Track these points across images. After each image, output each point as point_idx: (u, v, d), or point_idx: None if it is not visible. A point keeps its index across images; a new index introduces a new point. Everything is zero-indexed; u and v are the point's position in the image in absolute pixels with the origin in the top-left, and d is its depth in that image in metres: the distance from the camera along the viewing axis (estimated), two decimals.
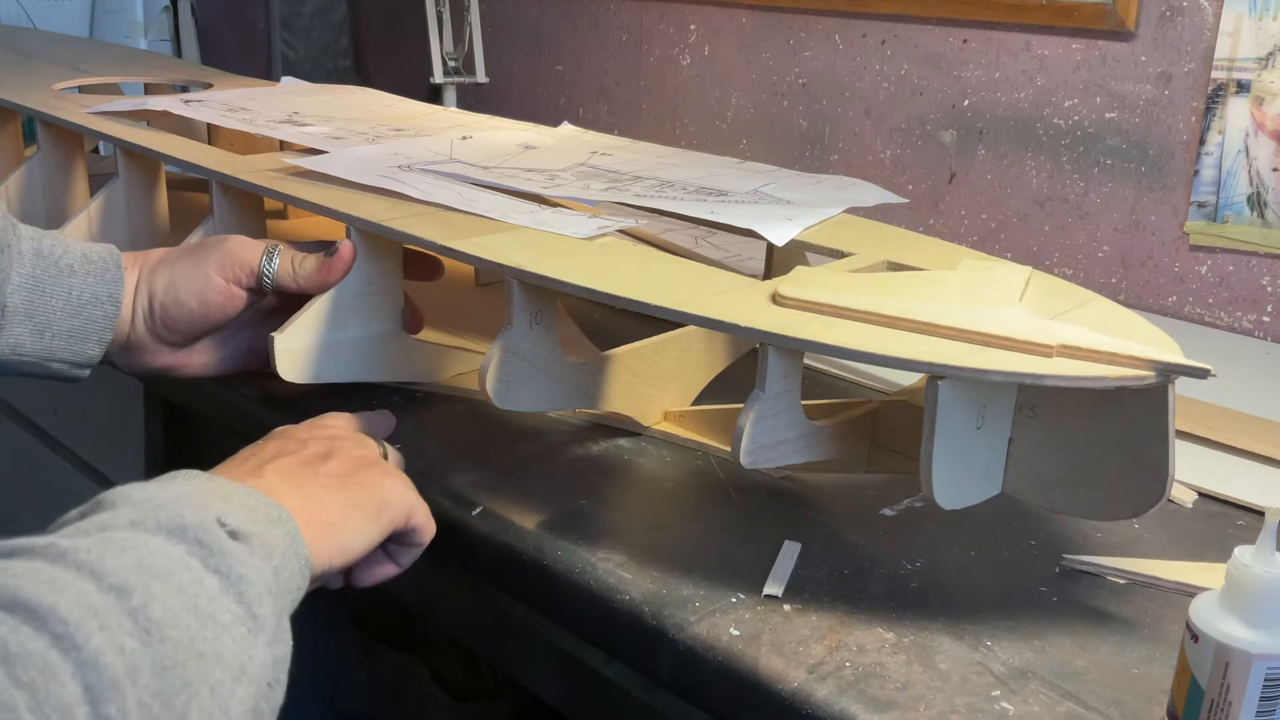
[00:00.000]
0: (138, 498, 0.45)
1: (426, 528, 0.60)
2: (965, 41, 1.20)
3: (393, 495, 0.59)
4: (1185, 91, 1.06)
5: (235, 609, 0.43)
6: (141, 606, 0.39)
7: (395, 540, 0.60)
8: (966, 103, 1.21)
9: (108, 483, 1.15)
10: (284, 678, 0.45)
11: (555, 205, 0.81)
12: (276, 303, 0.77)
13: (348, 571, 0.58)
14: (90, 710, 0.36)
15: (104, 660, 0.37)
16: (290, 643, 0.46)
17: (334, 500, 0.55)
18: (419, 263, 0.80)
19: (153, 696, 0.38)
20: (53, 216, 1.03)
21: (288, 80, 1.25)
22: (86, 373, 0.74)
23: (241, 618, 0.43)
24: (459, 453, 0.72)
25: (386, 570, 0.61)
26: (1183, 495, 0.70)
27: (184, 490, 0.47)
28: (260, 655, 0.43)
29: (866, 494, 0.68)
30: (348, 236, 0.74)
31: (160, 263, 0.75)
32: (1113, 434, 0.55)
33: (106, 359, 0.75)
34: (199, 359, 0.77)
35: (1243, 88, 1.01)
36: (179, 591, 0.41)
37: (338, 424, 0.66)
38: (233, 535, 0.45)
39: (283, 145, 1.01)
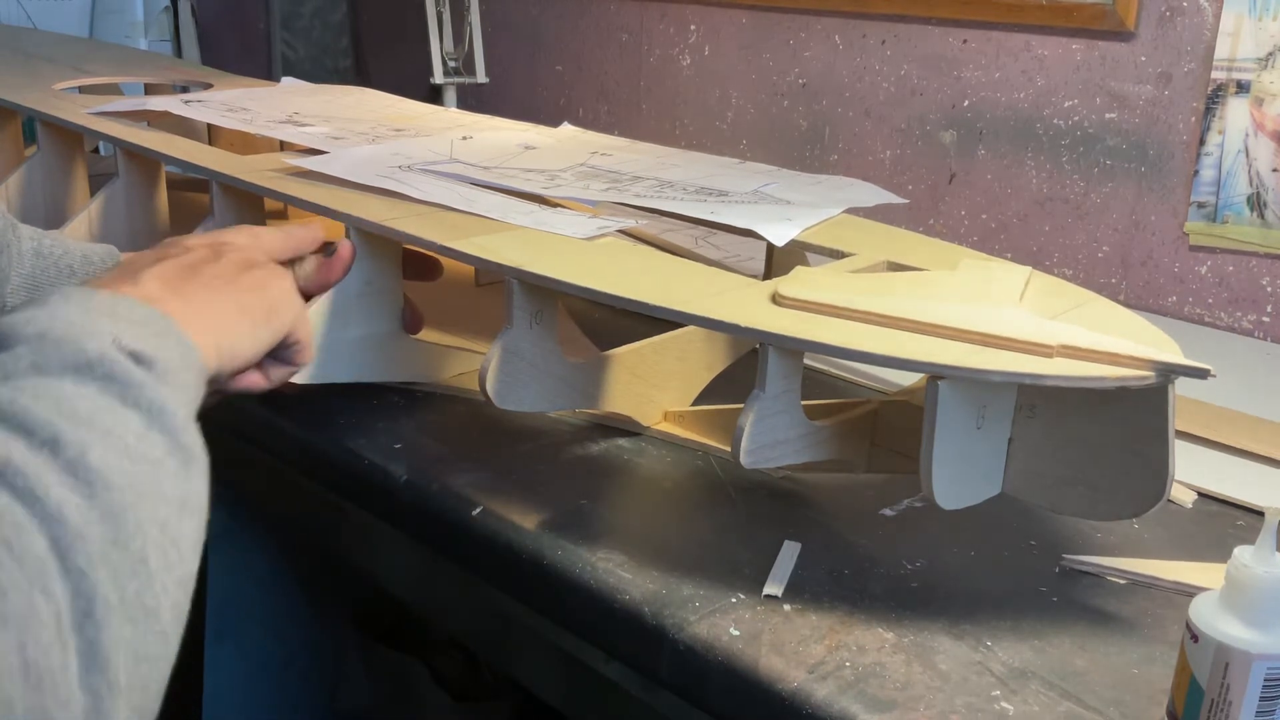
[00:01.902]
0: (28, 332, 0.43)
1: (306, 347, 0.58)
2: (965, 41, 1.20)
3: (282, 299, 0.57)
4: (1185, 92, 1.06)
5: (163, 442, 0.42)
6: (78, 458, 0.39)
7: (271, 353, 0.58)
8: (966, 103, 1.21)
9: None
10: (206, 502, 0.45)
11: (555, 205, 0.81)
12: None
13: None
14: (59, 564, 0.36)
15: (65, 512, 0.37)
16: (206, 457, 0.45)
17: (220, 302, 0.53)
18: (418, 263, 0.80)
19: (110, 544, 0.38)
20: (53, 216, 1.03)
21: (288, 80, 1.25)
22: None
23: (171, 450, 0.42)
24: (459, 453, 0.72)
25: (254, 380, 0.59)
26: (1183, 495, 0.70)
27: (71, 316, 0.44)
28: (197, 485, 0.43)
29: (866, 494, 0.68)
30: (347, 236, 0.74)
31: None
32: (1113, 434, 0.55)
33: None
34: None
35: (1242, 88, 1.01)
36: (106, 435, 0.40)
37: (237, 236, 0.62)
38: (135, 359, 0.44)
39: (283, 145, 1.01)
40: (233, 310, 0.53)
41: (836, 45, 1.31)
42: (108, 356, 0.43)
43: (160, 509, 0.40)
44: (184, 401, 0.45)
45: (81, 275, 0.72)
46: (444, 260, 0.77)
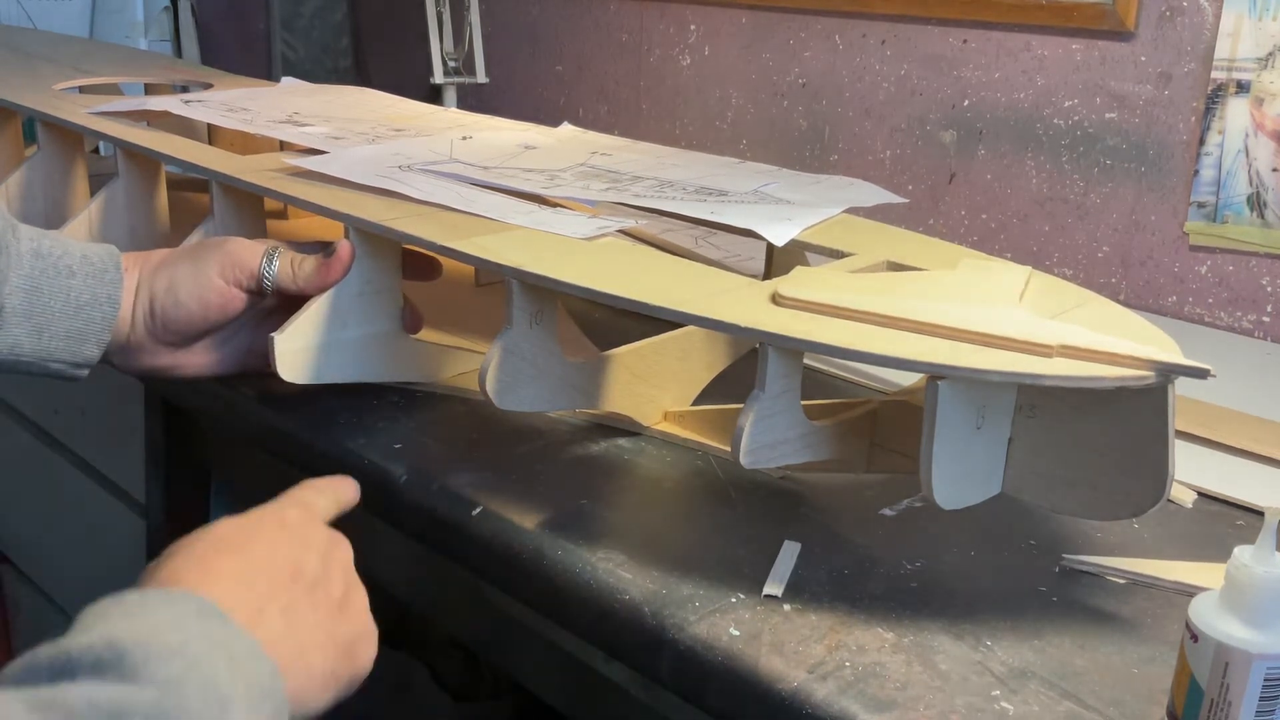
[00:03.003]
0: (160, 677, 0.40)
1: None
2: (965, 41, 1.20)
3: (365, 671, 0.54)
4: (1185, 92, 1.06)
5: None
6: None
7: None
8: (966, 103, 1.21)
9: (108, 483, 1.16)
10: None
11: (555, 205, 0.81)
12: (275, 303, 0.77)
13: None
14: None
15: None
16: None
17: (320, 668, 0.50)
18: (418, 263, 0.80)
19: None
20: (53, 216, 1.03)
21: (288, 80, 1.25)
22: (85, 373, 0.74)
23: None
24: (459, 453, 0.72)
25: None
26: (1183, 495, 0.70)
27: (205, 673, 0.41)
28: None
29: (866, 494, 0.68)
30: (346, 236, 0.74)
31: (161, 264, 0.75)
32: (1113, 434, 0.55)
33: (105, 359, 0.75)
34: (198, 359, 0.77)
35: (1242, 88, 1.01)
36: None
37: (340, 550, 0.57)
38: None
39: (283, 145, 1.01)
40: (327, 678, 0.51)
41: (836, 45, 1.31)
42: None
43: None
44: None
45: (81, 276, 0.72)
46: (444, 260, 0.77)
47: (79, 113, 1.00)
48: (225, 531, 0.51)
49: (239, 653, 0.44)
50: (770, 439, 0.59)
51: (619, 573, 0.59)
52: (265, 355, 0.72)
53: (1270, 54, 1.00)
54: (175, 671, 0.40)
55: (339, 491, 0.60)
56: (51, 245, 0.72)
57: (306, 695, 0.49)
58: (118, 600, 0.44)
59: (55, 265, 0.71)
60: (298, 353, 0.73)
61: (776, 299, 0.60)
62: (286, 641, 0.48)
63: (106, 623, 0.42)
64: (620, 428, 0.75)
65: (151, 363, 0.76)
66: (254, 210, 0.87)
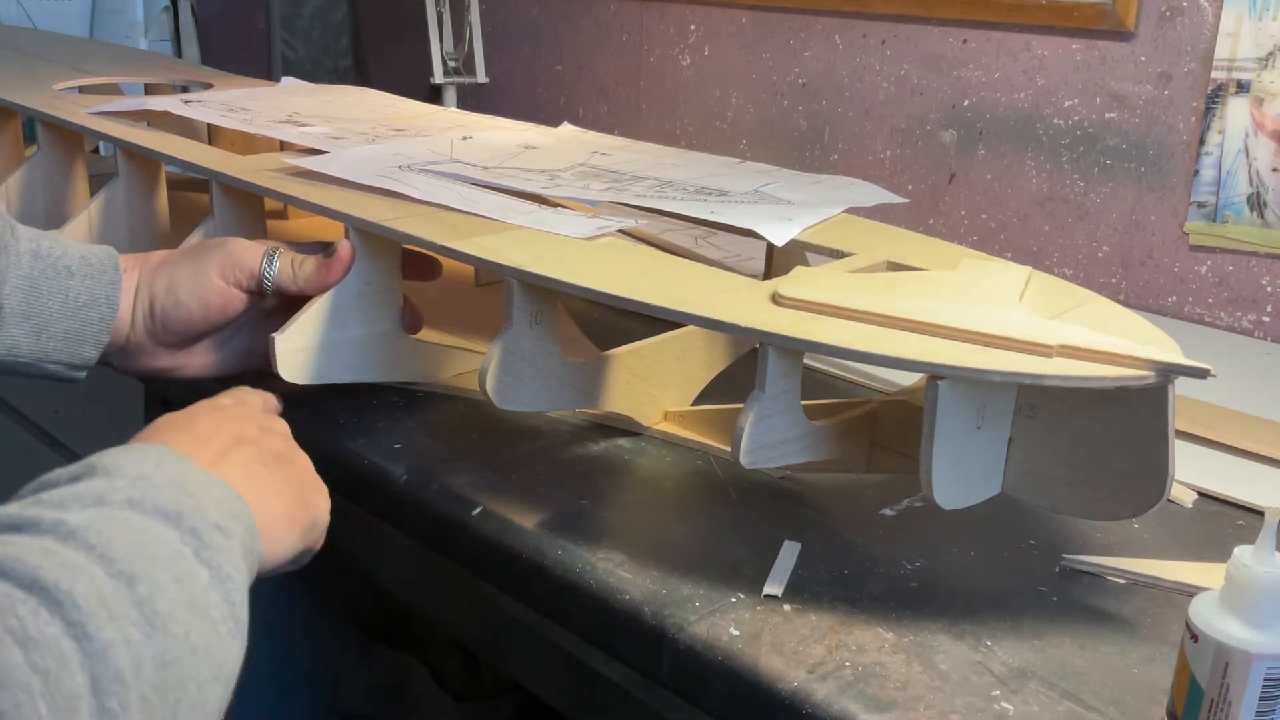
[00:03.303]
0: (132, 472, 0.45)
1: (307, 558, 0.60)
2: (965, 41, 1.20)
3: (322, 520, 0.58)
4: (1185, 91, 1.06)
5: (222, 606, 0.43)
6: (148, 597, 0.40)
7: None
8: (966, 103, 1.21)
9: None
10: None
11: (555, 205, 0.81)
12: (275, 304, 0.77)
13: None
14: (94, 702, 0.37)
15: (112, 653, 0.38)
16: (247, 639, 0.46)
17: (281, 509, 0.55)
18: (418, 263, 0.80)
19: (152, 689, 0.39)
20: (53, 216, 1.03)
21: (288, 80, 1.25)
22: (83, 374, 0.74)
23: (226, 616, 0.43)
24: (459, 453, 0.72)
25: None
26: (1183, 495, 0.70)
27: (172, 473, 0.46)
28: (235, 656, 0.44)
29: (866, 494, 0.68)
30: (346, 237, 0.74)
31: (160, 265, 0.75)
32: (1113, 434, 0.55)
33: (104, 360, 0.75)
34: (198, 360, 0.77)
35: (1242, 88, 1.01)
36: (177, 582, 0.42)
37: (278, 424, 0.63)
38: (217, 527, 0.46)
39: (283, 145, 1.01)
40: (287, 519, 0.55)
41: (836, 45, 1.31)
42: (197, 513, 0.45)
43: (202, 668, 0.41)
44: (244, 580, 0.46)
45: (80, 277, 0.72)
46: (444, 260, 0.77)
47: (79, 113, 1.00)
48: (167, 419, 0.56)
49: (205, 482, 0.48)
50: (770, 439, 0.59)
51: (619, 573, 0.59)
52: (265, 355, 0.72)
53: (1270, 54, 1.00)
54: (147, 469, 0.46)
55: (265, 396, 0.66)
56: (50, 246, 0.72)
57: (273, 533, 0.53)
58: (86, 461, 0.47)
59: (54, 266, 0.71)
60: (298, 353, 0.73)
61: (776, 299, 0.60)
62: (245, 486, 0.51)
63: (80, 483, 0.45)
64: (620, 428, 0.75)
65: (151, 364, 0.76)
66: (254, 210, 0.87)
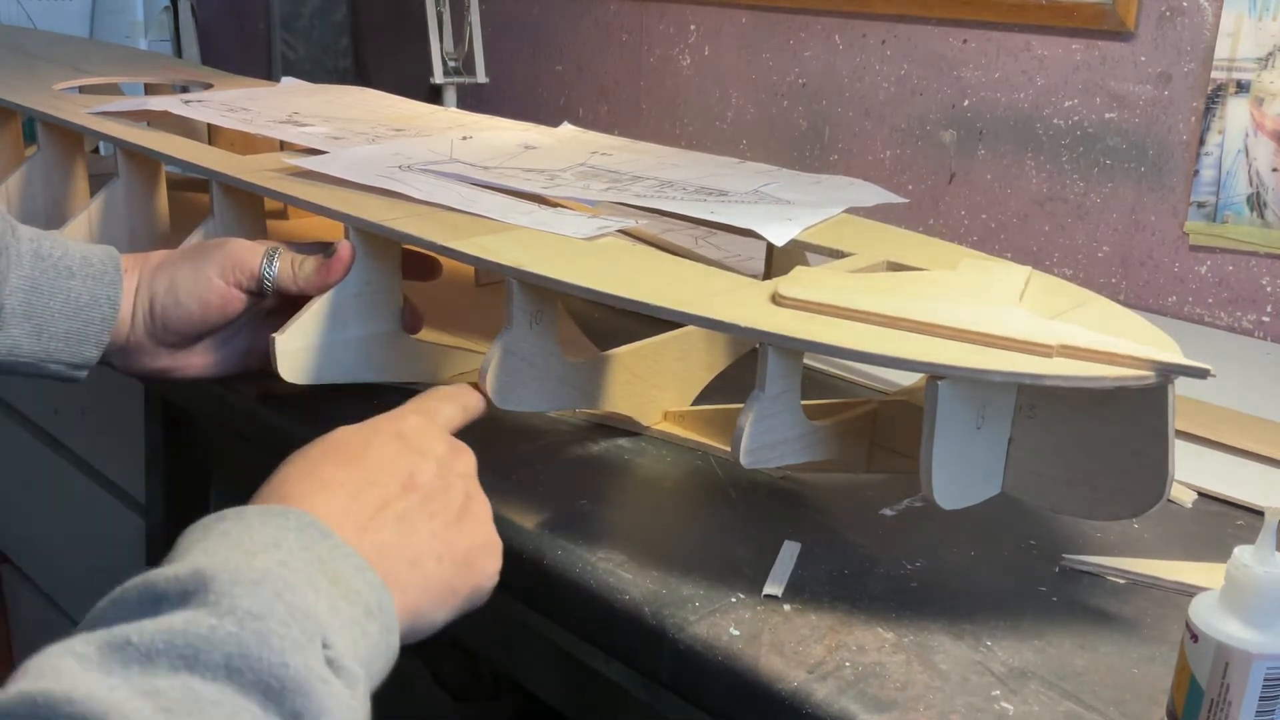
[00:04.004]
0: (245, 606, 0.38)
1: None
2: (965, 41, 1.20)
3: (486, 586, 0.52)
4: (1185, 91, 1.06)
5: None
6: None
7: None
8: (966, 103, 1.21)
9: (108, 483, 1.15)
10: None
11: (555, 205, 0.81)
12: (275, 304, 0.77)
13: None
14: None
15: None
16: None
17: (437, 579, 0.49)
18: (418, 263, 0.80)
19: None
20: (53, 216, 1.03)
21: (288, 80, 1.25)
22: (84, 374, 0.74)
23: None
24: None
25: None
26: (1183, 495, 0.70)
27: (294, 601, 0.39)
28: None
29: (866, 494, 0.68)
30: (347, 237, 0.74)
31: (160, 265, 0.75)
32: (1113, 434, 0.55)
33: (105, 360, 0.75)
34: (198, 360, 0.77)
35: (1242, 88, 1.01)
36: None
37: (461, 461, 0.55)
38: (337, 671, 0.40)
39: (283, 145, 1.01)
40: (444, 593, 0.49)
41: (836, 45, 1.31)
42: (309, 680, 0.38)
43: None
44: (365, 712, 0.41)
45: (81, 277, 0.72)
46: (444, 260, 0.77)
47: (79, 113, 1.00)
48: (340, 439, 0.51)
49: (342, 571, 0.42)
50: (770, 439, 0.59)
51: (619, 573, 0.59)
52: (265, 356, 0.72)
53: (1270, 54, 1.00)
54: (262, 601, 0.38)
55: (465, 399, 0.59)
56: (51, 246, 0.72)
57: (422, 608, 0.48)
58: (218, 518, 0.43)
59: (55, 266, 0.71)
60: (298, 353, 0.73)
61: (776, 299, 0.60)
62: (398, 552, 0.47)
63: (200, 545, 0.41)
64: (620, 428, 0.75)
65: (151, 364, 0.76)
66: (254, 210, 0.87)
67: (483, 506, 0.54)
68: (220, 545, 0.42)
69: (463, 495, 0.53)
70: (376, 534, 0.47)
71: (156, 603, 0.38)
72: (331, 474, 0.49)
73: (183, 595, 0.38)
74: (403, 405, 0.56)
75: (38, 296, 0.70)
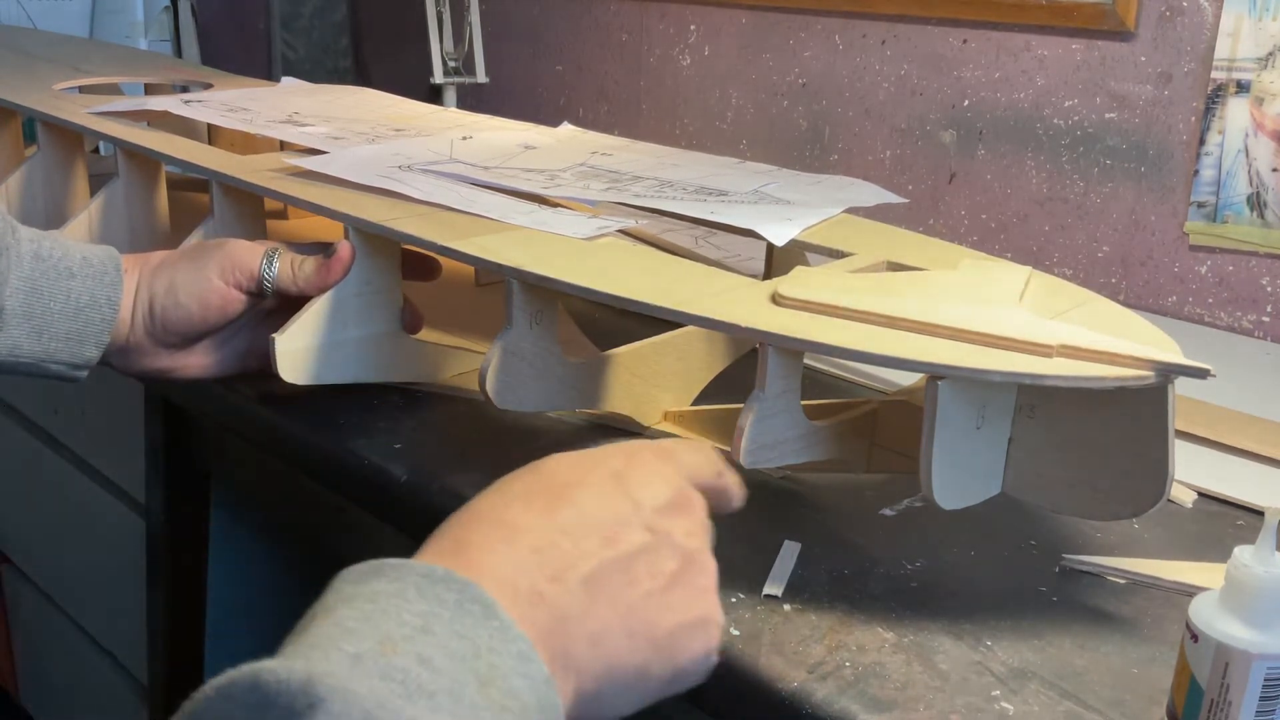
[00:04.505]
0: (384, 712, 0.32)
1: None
2: (965, 41, 1.20)
3: (696, 669, 0.44)
4: (1185, 92, 1.06)
5: None
6: None
7: None
8: (966, 103, 1.21)
9: (108, 483, 1.15)
10: None
11: (555, 205, 0.81)
12: (275, 304, 0.77)
13: None
14: None
15: None
16: None
17: (629, 661, 0.41)
18: (418, 263, 0.80)
19: None
20: (53, 216, 1.03)
21: (288, 80, 1.25)
22: (84, 374, 0.74)
23: None
24: (459, 453, 0.72)
25: None
26: (1183, 495, 0.70)
27: (431, 687, 0.34)
28: None
29: (866, 494, 0.68)
30: (346, 237, 0.74)
31: (160, 265, 0.75)
32: (1112, 434, 0.55)
33: (104, 360, 0.75)
34: (197, 360, 0.77)
35: (1242, 88, 1.01)
36: None
37: (688, 516, 0.45)
38: None
39: (283, 145, 1.01)
40: (634, 675, 0.41)
41: (836, 45, 1.31)
42: None
43: None
44: None
45: (81, 278, 0.72)
46: (444, 260, 0.77)
47: (79, 113, 1.00)
48: (548, 471, 0.44)
49: (499, 667, 0.36)
50: (770, 439, 0.59)
51: None
52: (265, 356, 0.72)
53: (1270, 54, 1.00)
54: (393, 697, 0.33)
55: (721, 464, 0.48)
56: (52, 247, 0.72)
57: (602, 693, 0.40)
58: (375, 572, 0.37)
59: (55, 267, 0.71)
60: (298, 353, 0.73)
61: (776, 299, 0.60)
62: (577, 626, 0.40)
63: (339, 615, 0.36)
64: (620, 428, 0.75)
65: (151, 364, 0.76)
66: (254, 210, 0.87)
67: (705, 574, 0.44)
68: (361, 624, 0.36)
69: (679, 559, 0.43)
70: (555, 602, 0.40)
71: (263, 710, 0.32)
72: (520, 517, 0.41)
73: (290, 713, 0.32)
74: (644, 440, 0.47)
75: (38, 298, 0.71)
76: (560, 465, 0.45)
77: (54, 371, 0.73)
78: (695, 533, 0.45)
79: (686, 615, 0.43)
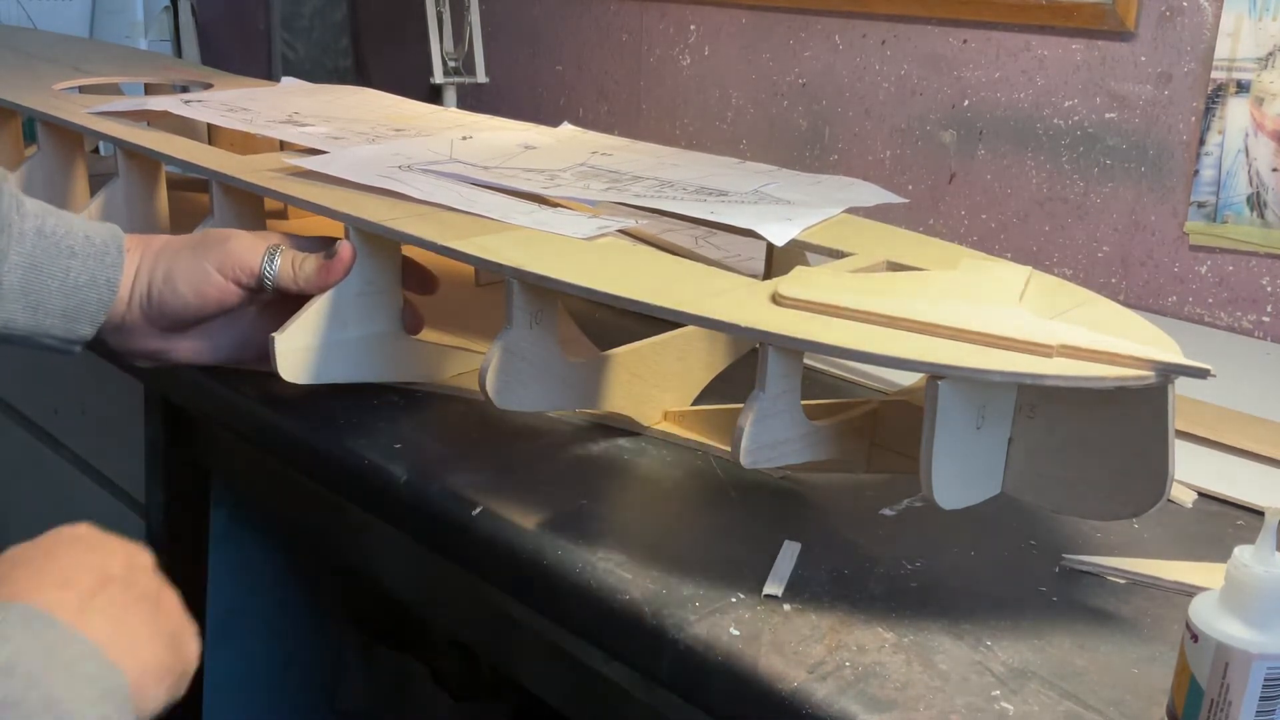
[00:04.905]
0: None
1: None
2: (965, 41, 1.20)
3: (191, 667, 0.55)
4: (1185, 92, 1.06)
5: None
6: None
7: None
8: (966, 103, 1.21)
9: (108, 483, 1.15)
10: None
11: (555, 205, 0.81)
12: (274, 295, 0.77)
13: None
14: None
15: None
16: None
17: (152, 660, 0.51)
18: (414, 276, 0.79)
19: None
20: None
21: (288, 80, 1.25)
22: (78, 349, 0.75)
23: None
24: (459, 453, 0.72)
25: None
26: (1183, 495, 0.70)
27: (36, 681, 0.42)
28: None
29: (866, 494, 0.68)
30: (347, 237, 0.74)
31: (161, 250, 0.75)
32: (1113, 434, 0.55)
33: (99, 336, 0.75)
34: (191, 345, 0.77)
35: (1242, 88, 1.01)
36: None
37: (141, 555, 0.57)
38: None
39: (283, 145, 1.01)
40: (160, 670, 0.52)
41: (836, 45, 1.31)
42: None
43: None
44: None
45: (82, 257, 0.72)
46: (444, 260, 0.77)
47: (79, 113, 1.00)
48: (21, 553, 0.52)
49: (73, 657, 0.44)
50: (770, 439, 0.59)
51: (619, 573, 0.59)
52: (260, 350, 0.72)
53: (1270, 54, 1.00)
54: (13, 692, 0.41)
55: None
56: (56, 224, 0.73)
57: (144, 689, 0.50)
58: None
59: (57, 245, 0.72)
60: (298, 353, 0.73)
61: (776, 299, 0.60)
62: (116, 638, 0.49)
63: None
64: (620, 428, 0.75)
65: (144, 344, 0.76)
66: (254, 210, 0.87)
67: (173, 597, 0.56)
68: None
69: (154, 585, 0.55)
70: (93, 622, 0.48)
71: None
72: (30, 580, 0.49)
73: None
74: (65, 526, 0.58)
75: (36, 274, 0.71)
76: (27, 545, 0.52)
77: (47, 345, 0.74)
78: (150, 566, 0.56)
79: (176, 623, 0.54)
